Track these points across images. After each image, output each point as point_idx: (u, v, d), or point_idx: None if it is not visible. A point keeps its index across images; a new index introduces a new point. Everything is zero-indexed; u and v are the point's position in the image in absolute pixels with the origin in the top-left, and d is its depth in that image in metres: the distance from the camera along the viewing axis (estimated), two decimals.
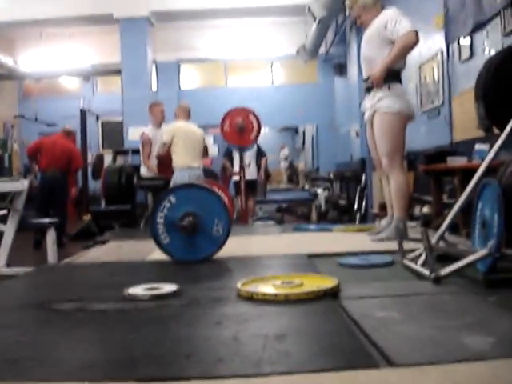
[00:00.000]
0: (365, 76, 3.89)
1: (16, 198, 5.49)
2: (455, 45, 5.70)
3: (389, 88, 3.68)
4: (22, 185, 5.53)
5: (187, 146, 6.08)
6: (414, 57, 7.05)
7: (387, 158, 3.72)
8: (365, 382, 1.23)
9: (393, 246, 2.87)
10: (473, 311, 1.79)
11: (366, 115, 3.90)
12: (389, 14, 3.74)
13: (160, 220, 2.99)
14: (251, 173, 8.18)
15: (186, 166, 6.01)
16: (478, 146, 4.42)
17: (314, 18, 9.55)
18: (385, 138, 3.72)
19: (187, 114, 6.38)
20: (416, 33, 3.61)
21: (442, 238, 2.56)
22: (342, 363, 1.32)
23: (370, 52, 3.83)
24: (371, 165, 8.11)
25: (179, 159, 6.07)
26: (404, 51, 3.66)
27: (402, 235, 3.51)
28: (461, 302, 1.96)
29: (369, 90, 3.81)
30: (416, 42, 3.63)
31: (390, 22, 3.66)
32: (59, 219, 8.24)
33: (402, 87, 3.82)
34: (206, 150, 6.71)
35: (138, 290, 2.13)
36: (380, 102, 3.70)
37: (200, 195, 3.07)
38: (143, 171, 6.84)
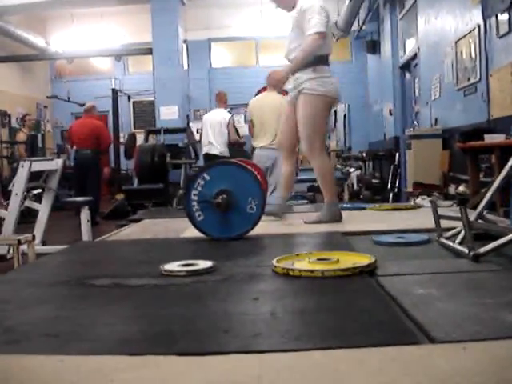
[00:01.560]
0: (287, 57, 3.83)
1: (50, 177, 5.56)
2: (493, 20, 5.56)
3: (313, 70, 3.60)
4: (56, 164, 5.60)
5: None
6: (449, 32, 6.93)
7: (307, 141, 3.67)
8: (407, 357, 1.21)
9: (429, 223, 2.82)
10: None
11: (288, 97, 3.84)
12: (307, 3, 3.66)
13: (194, 198, 2.99)
14: None
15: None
16: None
17: None
18: (306, 120, 3.64)
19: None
20: (321, 34, 3.52)
21: (480, 215, 2.51)
22: (383, 339, 1.30)
23: (290, 36, 3.81)
24: (405, 143, 8.02)
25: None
26: (308, 54, 3.56)
27: (335, 217, 3.56)
28: (500, 279, 1.92)
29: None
30: (321, 44, 3.54)
31: (308, 15, 3.59)
32: (93, 197, 8.42)
33: (328, 69, 3.72)
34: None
35: (173, 267, 2.13)
36: (305, 84, 3.62)
37: (234, 172, 3.05)
38: (223, 151, 7.17)
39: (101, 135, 8.66)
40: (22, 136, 10.63)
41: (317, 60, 3.62)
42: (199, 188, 2.98)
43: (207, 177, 2.99)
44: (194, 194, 2.99)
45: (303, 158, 10.93)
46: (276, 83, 3.63)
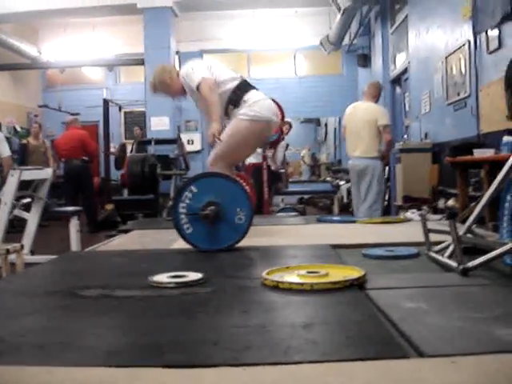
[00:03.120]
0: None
1: (40, 187, 5.54)
2: (483, 36, 5.62)
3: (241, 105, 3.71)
4: (46, 173, 5.59)
5: None
6: (439, 47, 6.99)
7: (214, 157, 3.73)
8: (395, 372, 1.21)
9: (418, 237, 2.83)
10: (502, 303, 1.76)
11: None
12: (182, 73, 3.81)
13: (182, 210, 2.99)
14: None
15: None
16: (506, 138, 4.35)
17: (339, 9, 9.49)
18: (226, 136, 3.66)
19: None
20: (204, 79, 3.62)
21: (469, 230, 2.52)
22: (371, 353, 1.30)
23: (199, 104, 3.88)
24: (394, 157, 8.06)
25: None
26: (210, 103, 3.60)
27: None
28: (489, 294, 1.92)
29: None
30: (210, 85, 3.62)
31: (188, 80, 3.73)
32: (89, 206, 8.59)
33: (256, 93, 3.80)
34: None
35: (162, 278, 2.12)
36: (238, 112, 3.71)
37: (221, 184, 3.05)
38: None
39: (85, 143, 8.86)
40: (33, 142, 10.43)
41: (233, 98, 3.71)
42: (187, 200, 2.98)
43: (194, 189, 2.99)
44: (182, 207, 2.99)
45: (291, 171, 10.99)
46: (212, 142, 3.66)
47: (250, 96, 3.73)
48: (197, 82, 3.63)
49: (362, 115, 6.21)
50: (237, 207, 2.97)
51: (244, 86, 3.78)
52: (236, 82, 3.77)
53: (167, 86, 3.92)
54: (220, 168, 3.64)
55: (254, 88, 3.84)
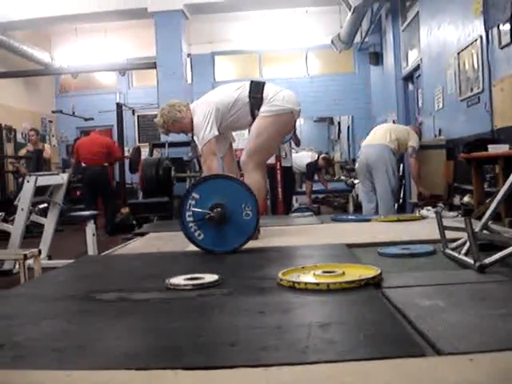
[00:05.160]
0: None
1: (56, 192, 5.59)
2: (495, 30, 5.58)
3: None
4: (62, 178, 5.63)
5: None
6: (451, 43, 6.96)
7: (246, 155, 3.74)
8: (412, 370, 1.21)
9: (434, 235, 2.82)
10: None
11: None
12: (195, 124, 3.75)
13: (189, 219, 3.00)
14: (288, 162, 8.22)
15: None
16: None
17: (349, 7, 9.46)
18: (255, 136, 3.71)
19: None
20: (206, 144, 3.63)
21: (485, 226, 2.51)
22: (389, 352, 1.30)
23: None
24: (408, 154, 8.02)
25: None
26: (207, 168, 3.65)
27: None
28: (506, 290, 1.91)
29: None
30: (211, 151, 3.65)
31: (196, 135, 3.74)
32: (110, 209, 8.75)
33: (271, 87, 3.82)
34: None
35: (179, 280, 2.13)
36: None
37: (220, 184, 3.07)
38: None
39: (111, 150, 9.11)
40: (23, 152, 10.67)
41: (254, 103, 3.75)
42: (192, 208, 2.99)
43: (196, 195, 3.00)
44: (188, 215, 3.00)
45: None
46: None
47: (267, 92, 3.76)
48: (201, 144, 3.66)
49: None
50: (241, 204, 2.98)
51: (256, 88, 3.79)
52: (247, 91, 3.78)
53: (179, 122, 3.87)
54: (253, 167, 3.70)
55: (264, 83, 3.86)
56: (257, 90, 3.76)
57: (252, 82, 3.87)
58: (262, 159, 3.82)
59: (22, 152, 10.70)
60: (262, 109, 3.70)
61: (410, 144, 6.28)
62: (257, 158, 3.74)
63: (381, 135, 6.36)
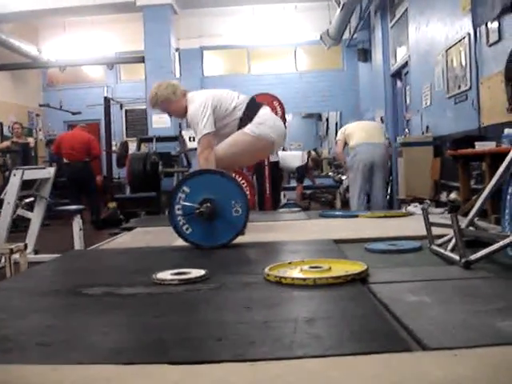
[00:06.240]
0: None
1: (42, 186, 5.56)
2: (483, 28, 5.61)
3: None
4: (49, 173, 5.60)
5: None
6: (439, 41, 6.98)
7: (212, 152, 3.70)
8: (398, 365, 1.21)
9: (421, 231, 2.84)
10: (505, 296, 1.76)
11: None
12: (191, 111, 3.71)
13: (178, 212, 3.00)
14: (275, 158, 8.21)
15: None
16: (507, 131, 4.35)
17: (338, 3, 9.48)
18: (228, 144, 3.71)
19: None
20: (205, 136, 3.60)
21: (471, 223, 2.53)
22: (374, 347, 1.31)
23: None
24: (396, 151, 8.06)
25: None
26: (203, 160, 3.59)
27: None
28: (492, 286, 1.93)
29: None
30: (209, 144, 3.62)
31: (194, 124, 3.68)
32: (94, 204, 8.76)
33: (266, 112, 3.83)
34: None
35: (166, 275, 2.13)
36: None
37: (211, 180, 3.07)
38: None
39: (91, 147, 9.04)
40: (4, 145, 10.58)
41: (246, 119, 3.73)
42: (181, 202, 2.98)
43: (187, 189, 3.00)
44: (178, 209, 3.00)
45: None
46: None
47: (261, 114, 3.77)
48: (199, 136, 3.63)
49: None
50: (232, 200, 2.98)
51: (252, 106, 3.80)
52: (244, 106, 3.78)
53: (169, 102, 3.83)
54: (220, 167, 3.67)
55: (262, 105, 3.86)
56: (252, 109, 3.77)
57: (252, 98, 3.88)
58: (222, 166, 3.72)
59: (4, 145, 10.59)
60: (249, 126, 3.71)
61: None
62: (218, 163, 3.67)
63: (378, 134, 6.39)
